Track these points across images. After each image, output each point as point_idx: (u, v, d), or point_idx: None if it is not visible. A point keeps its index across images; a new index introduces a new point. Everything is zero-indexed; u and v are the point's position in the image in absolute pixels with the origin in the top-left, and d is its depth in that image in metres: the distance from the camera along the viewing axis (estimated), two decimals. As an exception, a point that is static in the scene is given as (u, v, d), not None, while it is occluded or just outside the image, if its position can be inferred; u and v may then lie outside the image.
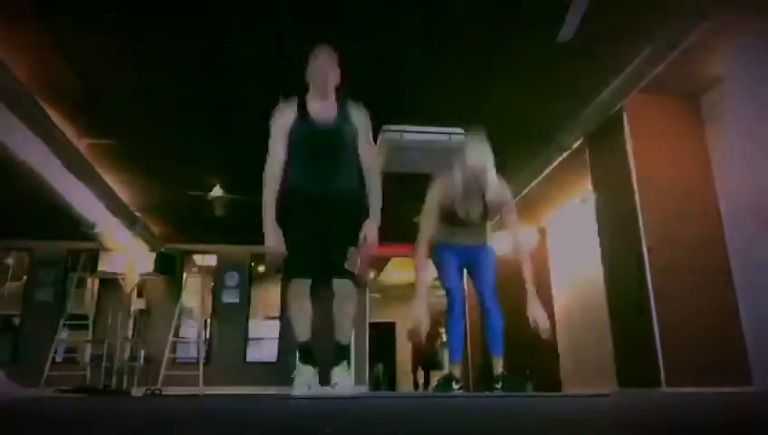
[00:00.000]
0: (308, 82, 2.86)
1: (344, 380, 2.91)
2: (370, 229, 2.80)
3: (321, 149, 2.84)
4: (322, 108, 2.84)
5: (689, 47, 3.94)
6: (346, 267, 2.81)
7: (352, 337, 3.21)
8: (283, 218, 2.79)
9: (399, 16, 4.03)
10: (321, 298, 2.91)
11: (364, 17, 4.01)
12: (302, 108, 2.83)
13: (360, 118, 2.90)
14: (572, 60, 4.42)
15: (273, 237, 2.72)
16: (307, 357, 2.98)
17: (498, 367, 3.25)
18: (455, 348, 3.37)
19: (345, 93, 2.94)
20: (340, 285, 2.85)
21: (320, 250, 2.80)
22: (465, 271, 3.43)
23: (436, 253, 3.36)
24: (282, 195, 2.81)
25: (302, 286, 2.83)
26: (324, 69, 2.80)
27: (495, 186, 3.23)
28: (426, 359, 12.19)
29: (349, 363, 3.09)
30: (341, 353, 2.98)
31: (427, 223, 3.23)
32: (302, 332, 2.92)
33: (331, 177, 2.84)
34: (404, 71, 4.65)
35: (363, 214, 2.86)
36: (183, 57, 4.45)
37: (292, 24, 4.08)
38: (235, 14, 3.98)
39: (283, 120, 2.82)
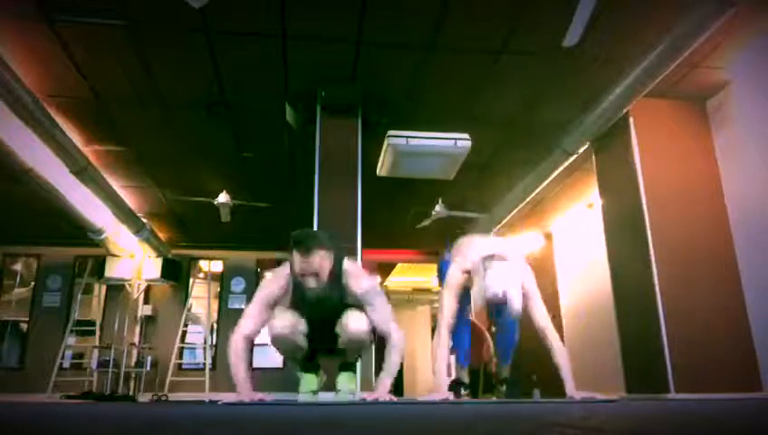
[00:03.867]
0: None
1: (347, 387, 2.90)
2: (383, 385, 2.59)
3: (319, 317, 2.67)
4: (314, 284, 2.58)
5: (695, 50, 3.92)
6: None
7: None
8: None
9: (405, 20, 4.04)
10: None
11: (366, 22, 4.03)
12: (295, 283, 2.60)
13: (360, 292, 2.62)
14: (578, 64, 4.42)
15: (245, 393, 2.57)
16: (308, 366, 2.96)
17: (506, 373, 3.27)
18: (462, 351, 3.34)
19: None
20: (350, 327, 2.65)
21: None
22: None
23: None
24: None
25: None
26: (306, 272, 2.52)
27: (541, 315, 2.98)
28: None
29: (354, 371, 3.07)
30: (347, 366, 2.97)
31: (449, 300, 3.00)
32: (302, 357, 2.92)
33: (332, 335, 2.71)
34: (409, 76, 4.66)
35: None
36: (189, 64, 4.48)
37: (295, 30, 4.10)
38: (239, 18, 4.00)
39: (270, 297, 2.63)
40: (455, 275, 3.02)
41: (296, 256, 2.51)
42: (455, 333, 3.30)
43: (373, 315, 2.63)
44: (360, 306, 2.66)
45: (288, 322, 2.65)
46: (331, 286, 2.60)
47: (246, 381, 2.57)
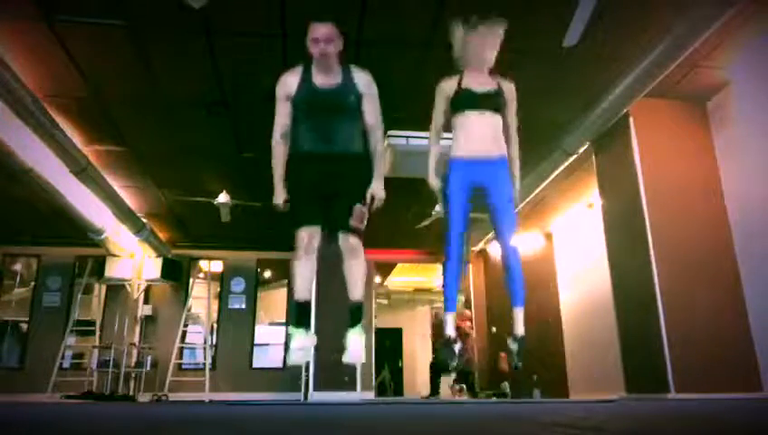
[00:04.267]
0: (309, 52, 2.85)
1: (357, 343, 2.85)
2: (377, 188, 2.87)
3: (321, 111, 2.86)
4: (325, 74, 2.84)
5: (695, 50, 3.92)
6: (351, 224, 2.82)
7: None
8: (289, 178, 2.86)
9: (402, 21, 4.04)
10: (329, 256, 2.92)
11: (366, 21, 4.03)
12: (306, 73, 2.85)
13: (363, 80, 2.90)
14: (578, 64, 4.42)
15: (279, 195, 2.83)
16: (301, 320, 2.88)
17: (519, 325, 2.89)
18: (449, 295, 3.06)
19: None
20: (346, 240, 2.85)
21: (324, 203, 2.84)
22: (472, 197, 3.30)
23: (449, 170, 3.22)
24: (288, 159, 2.88)
25: (310, 235, 2.78)
26: (319, 41, 2.76)
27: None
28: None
29: (362, 327, 3.00)
30: (356, 315, 2.93)
31: (437, 111, 3.27)
32: (303, 288, 2.84)
33: (332, 138, 2.87)
34: (409, 75, 4.65)
35: (368, 174, 2.91)
36: (189, 64, 4.48)
37: (295, 30, 4.10)
38: (240, 21, 4.00)
39: (285, 87, 2.85)
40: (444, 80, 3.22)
41: (314, 24, 2.77)
42: (444, 271, 3.11)
43: (367, 110, 2.90)
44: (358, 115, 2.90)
45: (307, 233, 2.79)
46: (340, 80, 2.84)
47: (279, 170, 2.84)
